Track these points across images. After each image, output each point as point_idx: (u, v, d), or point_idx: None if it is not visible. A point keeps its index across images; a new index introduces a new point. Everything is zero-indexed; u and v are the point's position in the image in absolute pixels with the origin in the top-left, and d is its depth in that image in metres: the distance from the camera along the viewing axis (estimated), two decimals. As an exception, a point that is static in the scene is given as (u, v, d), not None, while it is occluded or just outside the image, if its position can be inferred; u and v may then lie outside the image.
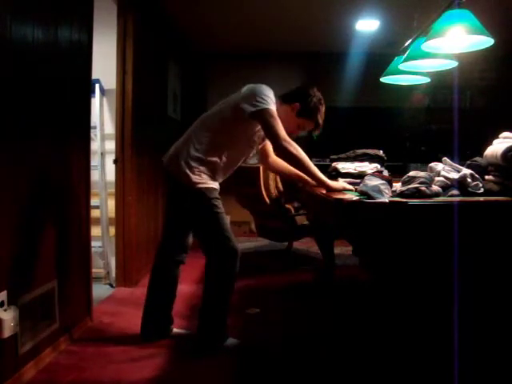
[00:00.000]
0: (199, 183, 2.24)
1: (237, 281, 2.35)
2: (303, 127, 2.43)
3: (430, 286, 1.55)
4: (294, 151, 2.20)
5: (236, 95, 2.32)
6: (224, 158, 2.31)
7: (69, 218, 2.49)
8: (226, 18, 4.73)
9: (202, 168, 2.26)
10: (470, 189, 1.74)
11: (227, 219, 2.33)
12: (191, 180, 2.23)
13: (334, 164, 2.78)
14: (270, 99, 2.22)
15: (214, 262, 2.32)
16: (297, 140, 2.28)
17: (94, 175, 3.42)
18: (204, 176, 2.26)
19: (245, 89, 2.31)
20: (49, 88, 2.22)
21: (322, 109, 2.41)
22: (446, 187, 1.74)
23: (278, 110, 2.27)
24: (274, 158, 2.61)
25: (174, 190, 2.36)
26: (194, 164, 2.24)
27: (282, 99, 2.39)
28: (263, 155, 2.62)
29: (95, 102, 3.59)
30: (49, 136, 2.24)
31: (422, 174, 1.73)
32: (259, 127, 2.28)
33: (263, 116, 2.19)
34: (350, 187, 2.19)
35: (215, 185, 2.32)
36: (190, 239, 2.52)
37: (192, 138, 2.33)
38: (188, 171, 2.23)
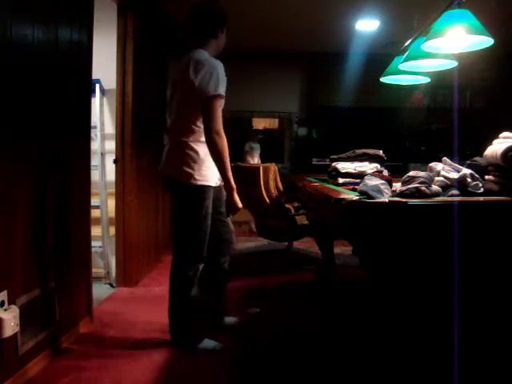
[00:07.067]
0: (197, 180, 2.26)
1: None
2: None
3: (430, 286, 1.55)
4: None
5: None
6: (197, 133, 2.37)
7: (69, 218, 2.49)
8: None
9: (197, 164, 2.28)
10: (469, 189, 1.74)
11: (209, 222, 2.31)
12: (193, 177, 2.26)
13: (333, 164, 2.78)
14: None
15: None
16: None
17: (94, 175, 3.41)
18: (200, 172, 2.27)
19: None
20: (49, 88, 2.22)
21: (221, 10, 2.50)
22: (445, 187, 1.74)
23: (212, 48, 2.48)
24: None
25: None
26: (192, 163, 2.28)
27: (207, 36, 2.52)
28: None
29: (95, 101, 3.59)
30: (49, 136, 2.24)
31: (422, 173, 1.73)
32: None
33: None
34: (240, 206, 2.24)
35: (211, 180, 2.31)
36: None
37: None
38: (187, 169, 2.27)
